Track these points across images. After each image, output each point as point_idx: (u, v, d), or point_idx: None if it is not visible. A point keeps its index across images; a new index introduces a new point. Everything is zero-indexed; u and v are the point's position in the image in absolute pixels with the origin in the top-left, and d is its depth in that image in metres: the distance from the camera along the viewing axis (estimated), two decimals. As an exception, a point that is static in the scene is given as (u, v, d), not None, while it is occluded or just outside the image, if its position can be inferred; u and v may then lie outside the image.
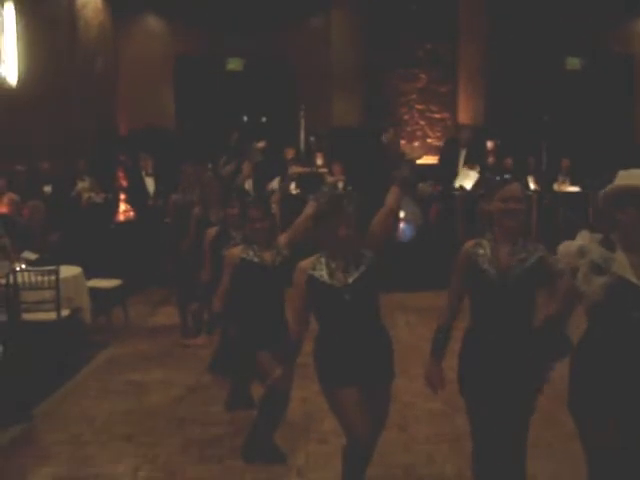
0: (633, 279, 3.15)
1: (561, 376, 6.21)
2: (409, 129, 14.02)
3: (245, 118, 14.93)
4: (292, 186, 11.19)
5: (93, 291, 7.94)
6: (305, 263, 3.91)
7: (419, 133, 14.29)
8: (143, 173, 11.47)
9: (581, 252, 3.27)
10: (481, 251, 3.69)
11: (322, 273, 3.84)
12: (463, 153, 11.64)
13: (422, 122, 14.27)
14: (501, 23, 14.25)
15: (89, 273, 7.97)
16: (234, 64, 14.68)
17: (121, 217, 11.42)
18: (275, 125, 14.49)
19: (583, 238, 3.33)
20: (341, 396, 3.90)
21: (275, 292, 4.83)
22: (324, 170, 11.99)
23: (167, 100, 14.76)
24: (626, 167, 3.50)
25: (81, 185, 11.32)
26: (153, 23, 14.76)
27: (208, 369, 6.68)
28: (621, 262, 3.18)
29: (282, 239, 4.97)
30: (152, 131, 13.76)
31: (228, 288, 4.92)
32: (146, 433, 5.33)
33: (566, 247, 3.37)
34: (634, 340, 3.20)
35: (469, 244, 3.76)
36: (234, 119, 14.71)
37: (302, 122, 12.97)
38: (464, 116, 14.09)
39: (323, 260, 3.87)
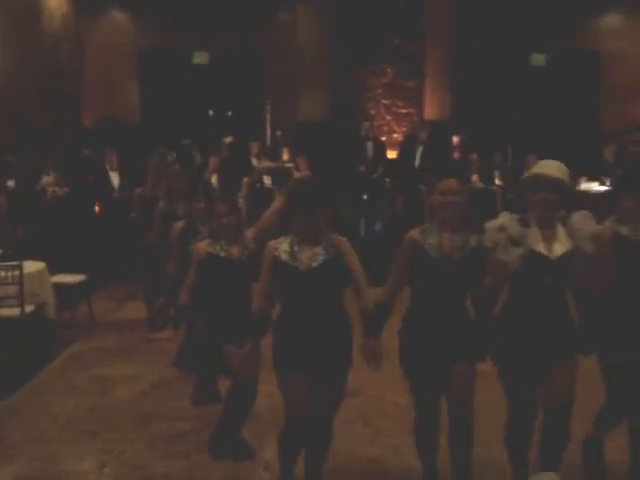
0: (543, 250, 3.92)
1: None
2: (376, 124, 14.01)
3: (211, 112, 14.87)
4: (267, 180, 11.22)
5: (57, 286, 7.86)
6: (273, 243, 4.08)
7: (385, 128, 14.31)
8: (108, 167, 11.38)
9: (501, 228, 3.92)
10: (425, 239, 4.07)
11: (287, 254, 4.00)
12: (420, 149, 11.75)
13: (388, 117, 14.30)
14: (468, 19, 14.32)
15: (53, 268, 7.89)
16: (200, 57, 14.61)
17: (86, 212, 11.31)
18: (241, 119, 14.45)
19: (504, 217, 3.98)
20: (289, 380, 4.07)
21: (242, 286, 4.82)
22: (290, 165, 11.97)
23: (132, 94, 14.65)
24: (591, 162, 3.90)
25: (46, 179, 11.19)
26: (118, 15, 14.63)
27: (174, 364, 6.66)
28: (533, 236, 3.92)
29: (249, 233, 4.99)
30: (117, 125, 13.66)
31: (195, 282, 4.93)
32: (111, 429, 5.30)
33: (489, 225, 3.99)
34: (544, 303, 3.96)
35: (415, 232, 4.14)
36: (200, 113, 14.66)
37: (268, 116, 12.94)
38: (430, 111, 14.13)
39: (291, 242, 4.02)
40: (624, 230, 4.23)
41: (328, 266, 3.98)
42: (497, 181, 11.94)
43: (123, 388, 6.22)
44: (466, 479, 4.25)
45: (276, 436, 4.30)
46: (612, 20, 15.10)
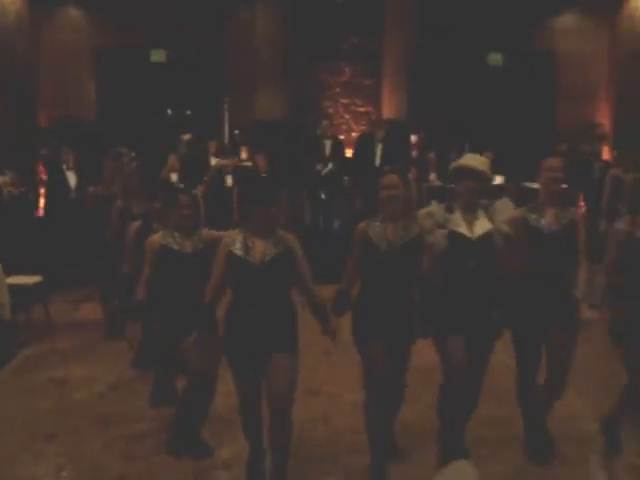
0: (465, 231, 4.49)
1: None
2: (334, 123, 14.05)
3: (169, 111, 14.78)
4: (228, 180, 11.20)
5: (13, 288, 7.74)
6: (228, 238, 4.29)
7: (344, 127, 14.37)
8: (64, 167, 11.25)
9: (429, 215, 4.57)
10: (373, 229, 4.49)
11: (240, 248, 4.21)
12: (380, 147, 11.78)
13: (347, 116, 14.36)
14: (426, 18, 14.41)
15: (9, 269, 7.77)
16: (157, 56, 14.50)
17: (41, 211, 11.18)
18: (200, 118, 14.39)
19: (432, 206, 4.66)
20: (238, 368, 4.35)
21: (194, 280, 4.70)
22: (248, 163, 11.95)
23: (89, 92, 14.50)
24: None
25: (1, 179, 11.03)
26: (74, 12, 14.46)
27: (131, 364, 6.61)
28: (456, 220, 4.50)
29: (206, 232, 4.99)
30: (73, 123, 13.51)
31: (149, 276, 4.89)
32: (69, 432, 5.24)
33: (419, 213, 4.66)
34: (468, 282, 4.49)
35: (363, 224, 4.55)
36: (158, 111, 14.56)
37: (226, 115, 12.90)
38: (388, 110, 14.19)
39: (244, 236, 4.24)
40: (531, 217, 4.75)
41: (279, 260, 4.20)
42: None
43: (80, 390, 6.16)
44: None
45: (234, 436, 4.29)
46: (566, 20, 15.31)
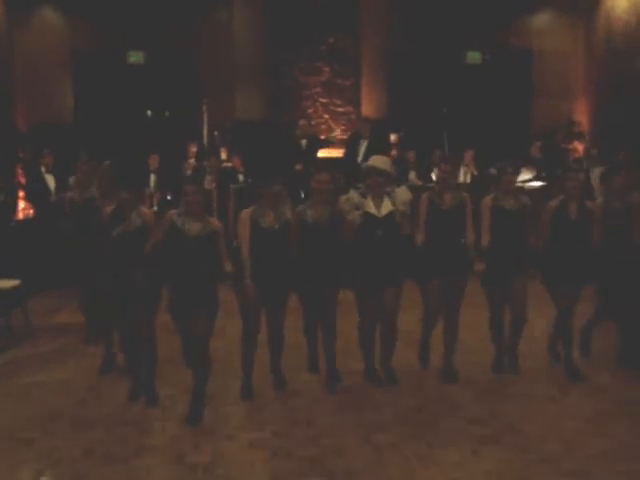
0: (374, 211, 6.09)
1: (463, 364, 6.37)
2: (313, 122, 14.04)
3: (149, 113, 14.71)
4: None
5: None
6: (172, 211, 5.61)
7: (323, 127, 14.35)
8: (43, 170, 11.18)
9: (348, 200, 6.19)
10: (307, 212, 6.16)
11: (182, 222, 5.48)
12: (364, 145, 11.77)
13: (326, 116, 14.34)
14: (403, 17, 14.45)
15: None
16: (135, 57, 14.42)
17: (20, 215, 11.10)
18: (179, 119, 14.34)
19: (350, 193, 6.29)
20: (177, 322, 5.64)
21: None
22: (228, 164, 11.92)
23: (66, 95, 14.42)
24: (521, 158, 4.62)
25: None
26: (50, 15, 14.38)
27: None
28: (368, 203, 6.11)
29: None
30: (51, 127, 13.42)
31: (159, 242, 5.63)
32: (48, 436, 5.19)
33: (341, 198, 6.25)
34: (377, 247, 6.07)
35: (300, 207, 6.29)
36: (136, 113, 14.49)
37: (205, 116, 12.86)
38: (367, 109, 14.21)
39: (184, 213, 5.51)
40: (434, 198, 6.40)
41: (207, 237, 5.50)
42: (434, 177, 12.06)
43: (60, 394, 6.10)
44: None
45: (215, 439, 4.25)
46: (543, 19, 15.40)
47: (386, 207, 6.14)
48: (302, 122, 12.26)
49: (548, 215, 6.54)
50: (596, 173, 9.71)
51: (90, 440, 5.12)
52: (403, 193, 6.31)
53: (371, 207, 6.11)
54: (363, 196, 6.18)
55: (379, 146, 11.54)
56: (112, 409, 5.71)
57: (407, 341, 6.86)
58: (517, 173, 8.53)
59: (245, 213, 5.93)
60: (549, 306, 6.69)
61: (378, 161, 6.29)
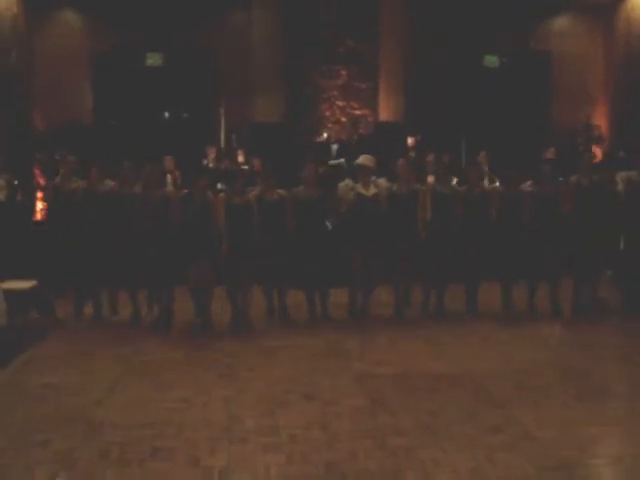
0: (364, 192, 8.61)
1: (479, 371, 6.36)
2: (330, 125, 14.06)
3: (167, 114, 14.76)
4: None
5: (8, 293, 7.72)
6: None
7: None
8: (62, 171, 11.21)
9: (345, 185, 8.90)
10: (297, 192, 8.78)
11: None
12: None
13: (343, 119, 14.34)
14: (421, 20, 14.42)
15: (4, 274, 7.76)
16: (153, 59, 14.48)
17: (38, 216, 11.14)
18: (196, 121, 14.38)
19: (347, 180, 9.13)
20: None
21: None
22: (245, 167, 11.93)
23: (85, 96, 14.51)
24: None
25: (-3, 184, 11.00)
26: (70, 17, 14.47)
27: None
28: (359, 187, 8.65)
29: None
30: (70, 128, 13.49)
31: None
32: (64, 438, 5.20)
33: (340, 185, 8.98)
34: (366, 223, 8.56)
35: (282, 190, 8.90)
36: (154, 115, 14.54)
37: (223, 118, 12.89)
38: (385, 113, 14.20)
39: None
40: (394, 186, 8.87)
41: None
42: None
43: (76, 395, 6.12)
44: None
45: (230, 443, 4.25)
46: (563, 22, 15.34)
47: (372, 190, 8.70)
48: (333, 126, 12.32)
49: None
50: (622, 177, 9.53)
51: (106, 442, 5.12)
52: (382, 182, 9.01)
53: (362, 189, 8.68)
54: (356, 182, 8.84)
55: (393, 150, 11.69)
56: (127, 411, 5.71)
57: (425, 346, 6.84)
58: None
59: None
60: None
61: (363, 159, 8.94)
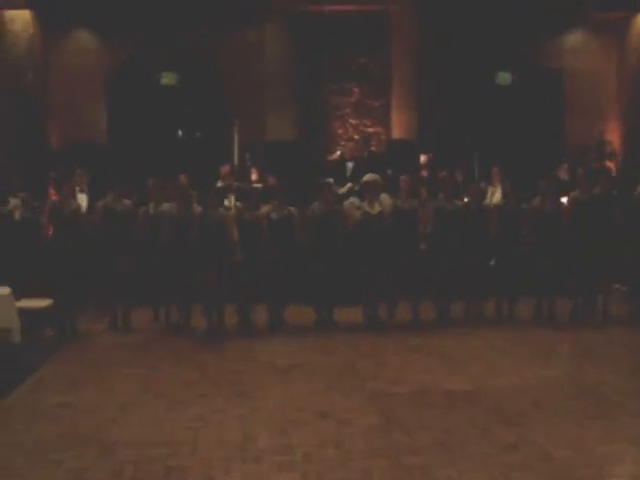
0: (369, 210, 9.13)
1: (494, 388, 6.33)
2: (343, 143, 14.10)
3: (180, 133, 14.83)
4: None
5: (23, 311, 7.75)
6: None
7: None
8: (77, 189, 11.26)
9: (351, 203, 9.64)
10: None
11: None
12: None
13: (356, 136, 14.37)
14: (433, 38, 14.45)
15: (20, 293, 7.80)
16: (167, 78, 14.54)
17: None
18: (210, 140, 14.44)
19: (352, 199, 10.00)
20: None
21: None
22: (259, 185, 11.94)
23: (100, 115, 14.58)
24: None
25: (13, 202, 11.02)
26: (85, 37, 14.58)
27: None
28: (365, 205, 9.22)
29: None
30: (85, 146, 13.57)
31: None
32: (77, 457, 5.20)
33: (345, 203, 9.77)
34: (374, 238, 9.08)
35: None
36: (168, 134, 14.61)
37: (236, 137, 12.94)
38: (397, 130, 14.22)
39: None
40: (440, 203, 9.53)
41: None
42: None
43: (89, 414, 6.13)
44: None
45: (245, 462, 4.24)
46: (575, 38, 15.33)
47: (377, 208, 9.18)
48: (346, 144, 12.35)
49: None
50: None
51: (119, 461, 5.12)
52: (386, 199, 9.50)
53: (367, 207, 9.19)
54: (362, 200, 9.43)
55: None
56: (142, 430, 5.71)
57: (441, 363, 6.81)
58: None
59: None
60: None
61: (369, 176, 9.49)
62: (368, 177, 9.45)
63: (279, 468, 4.93)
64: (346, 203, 9.63)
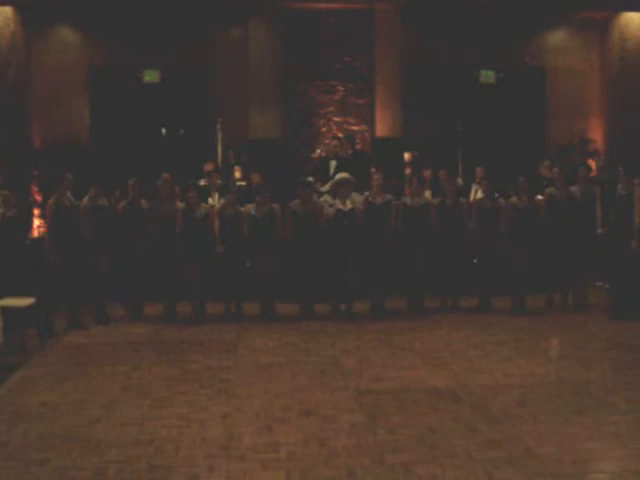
0: (341, 207, 9.66)
1: (478, 385, 6.36)
2: (327, 141, 14.09)
3: (164, 131, 14.76)
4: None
5: (6, 310, 7.69)
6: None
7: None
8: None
9: (324, 201, 9.93)
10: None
11: None
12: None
13: (340, 134, 14.36)
14: (417, 36, 14.48)
15: (1, 292, 7.74)
16: (150, 76, 14.47)
17: (35, 233, 11.15)
18: (193, 137, 14.39)
19: (325, 196, 10.26)
20: None
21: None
22: (242, 183, 11.92)
23: (82, 113, 14.49)
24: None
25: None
26: (67, 34, 14.48)
27: None
28: (338, 202, 9.70)
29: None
30: (67, 144, 13.48)
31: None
32: (61, 456, 5.17)
33: (320, 200, 9.98)
34: (345, 228, 9.64)
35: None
36: (151, 132, 14.54)
37: (219, 134, 12.90)
38: (381, 128, 14.23)
39: None
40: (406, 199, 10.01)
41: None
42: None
43: (73, 414, 6.10)
44: None
45: (229, 460, 4.23)
46: (557, 37, 15.40)
47: (349, 204, 9.69)
48: (330, 142, 12.33)
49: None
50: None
51: (103, 460, 5.10)
52: (357, 197, 9.95)
53: (340, 205, 9.70)
54: (334, 198, 9.89)
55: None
56: (125, 429, 5.69)
57: (424, 361, 6.82)
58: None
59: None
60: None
61: (342, 175, 10.24)
62: (340, 176, 10.20)
63: (263, 466, 4.93)
64: (320, 200, 10.07)
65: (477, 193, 12.01)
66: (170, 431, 5.59)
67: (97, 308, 9.44)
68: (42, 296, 8.53)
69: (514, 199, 9.95)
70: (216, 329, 9.13)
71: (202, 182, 11.67)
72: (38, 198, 11.78)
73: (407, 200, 9.96)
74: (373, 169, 10.64)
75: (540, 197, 10.29)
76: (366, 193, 10.13)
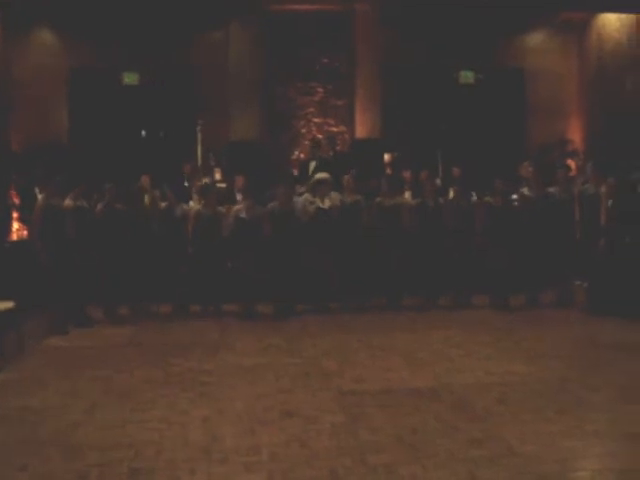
0: (321, 205, 10.17)
1: (459, 385, 6.37)
2: (306, 142, 14.10)
3: (144, 133, 14.72)
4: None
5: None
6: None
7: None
8: (37, 190, 11.16)
9: (305, 199, 10.37)
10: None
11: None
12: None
13: (320, 135, 14.38)
14: (397, 37, 14.52)
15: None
16: (130, 78, 14.43)
17: (14, 236, 11.07)
18: (173, 139, 14.35)
19: (306, 195, 10.48)
20: None
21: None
22: (222, 185, 11.91)
23: (61, 115, 14.42)
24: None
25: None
26: (46, 36, 14.41)
27: None
28: (318, 201, 10.22)
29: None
30: (46, 147, 13.40)
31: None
32: (42, 461, 5.14)
33: (301, 199, 10.41)
34: (324, 225, 10.17)
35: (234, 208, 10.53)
36: (131, 134, 14.49)
37: (199, 136, 12.88)
38: (361, 129, 14.26)
39: None
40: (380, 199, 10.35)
41: None
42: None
43: (54, 417, 6.06)
44: None
45: (210, 463, 4.22)
46: (536, 38, 15.50)
47: (328, 203, 10.17)
48: (309, 143, 12.39)
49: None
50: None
51: (84, 464, 5.06)
52: (336, 196, 10.32)
53: (320, 203, 10.15)
54: (314, 197, 10.27)
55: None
56: (106, 432, 5.66)
57: (406, 361, 6.83)
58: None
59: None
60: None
61: (321, 175, 10.60)
62: (319, 176, 10.64)
63: (245, 468, 4.91)
64: (300, 199, 10.44)
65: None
66: (151, 434, 5.56)
67: (79, 310, 9.41)
68: (21, 299, 8.46)
69: (488, 198, 10.31)
70: (197, 331, 9.12)
71: (185, 184, 11.66)
72: (16, 201, 11.68)
73: (380, 200, 10.29)
74: (351, 171, 10.89)
75: (514, 196, 10.45)
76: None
